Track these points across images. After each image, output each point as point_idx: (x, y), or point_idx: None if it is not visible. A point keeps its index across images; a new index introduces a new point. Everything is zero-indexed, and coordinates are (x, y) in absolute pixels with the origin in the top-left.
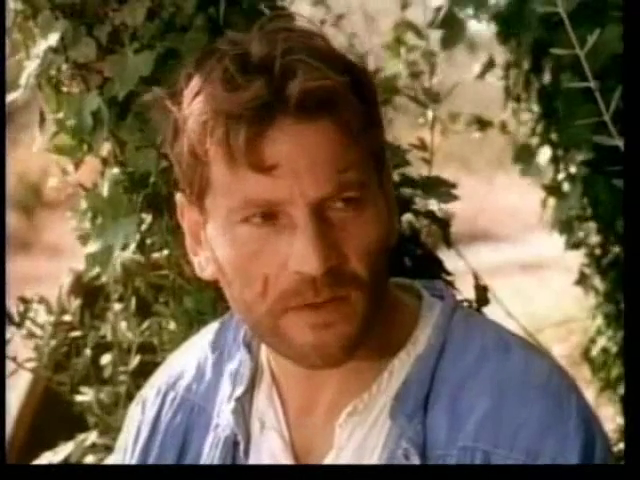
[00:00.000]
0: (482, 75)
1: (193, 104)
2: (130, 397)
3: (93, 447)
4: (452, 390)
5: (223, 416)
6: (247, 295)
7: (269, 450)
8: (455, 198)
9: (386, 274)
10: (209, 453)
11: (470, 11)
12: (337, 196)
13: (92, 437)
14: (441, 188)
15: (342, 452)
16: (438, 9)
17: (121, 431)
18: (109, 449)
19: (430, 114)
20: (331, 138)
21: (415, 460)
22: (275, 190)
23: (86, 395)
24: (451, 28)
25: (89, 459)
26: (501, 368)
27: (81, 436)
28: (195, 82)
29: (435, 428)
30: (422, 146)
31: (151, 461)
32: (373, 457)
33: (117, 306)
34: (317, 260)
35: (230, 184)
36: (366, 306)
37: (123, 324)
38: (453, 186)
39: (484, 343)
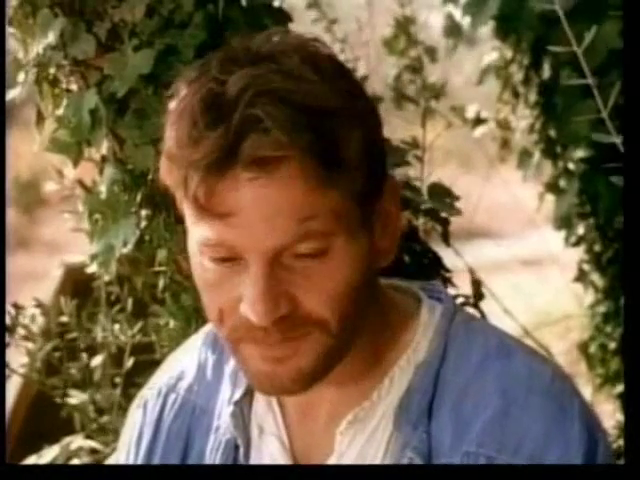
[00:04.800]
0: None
1: (169, 132)
2: (128, 399)
3: (79, 450)
4: (455, 396)
5: (224, 418)
6: (209, 316)
7: (269, 455)
8: (458, 212)
9: (363, 308)
10: (210, 456)
11: (468, 19)
12: (296, 246)
13: (78, 440)
14: (445, 198)
15: (342, 458)
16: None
17: (120, 433)
18: (97, 452)
19: (425, 111)
20: (290, 189)
21: None
22: (230, 236)
23: (80, 398)
24: (454, 35)
25: (75, 462)
26: (504, 373)
27: (67, 439)
28: (173, 111)
29: (440, 435)
30: (414, 144)
31: (155, 464)
32: (374, 464)
33: (113, 307)
34: (263, 312)
35: (192, 217)
36: (328, 346)
37: (117, 325)
38: (457, 198)
39: (486, 348)
